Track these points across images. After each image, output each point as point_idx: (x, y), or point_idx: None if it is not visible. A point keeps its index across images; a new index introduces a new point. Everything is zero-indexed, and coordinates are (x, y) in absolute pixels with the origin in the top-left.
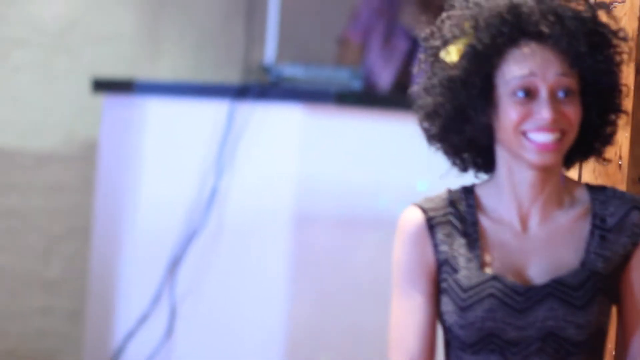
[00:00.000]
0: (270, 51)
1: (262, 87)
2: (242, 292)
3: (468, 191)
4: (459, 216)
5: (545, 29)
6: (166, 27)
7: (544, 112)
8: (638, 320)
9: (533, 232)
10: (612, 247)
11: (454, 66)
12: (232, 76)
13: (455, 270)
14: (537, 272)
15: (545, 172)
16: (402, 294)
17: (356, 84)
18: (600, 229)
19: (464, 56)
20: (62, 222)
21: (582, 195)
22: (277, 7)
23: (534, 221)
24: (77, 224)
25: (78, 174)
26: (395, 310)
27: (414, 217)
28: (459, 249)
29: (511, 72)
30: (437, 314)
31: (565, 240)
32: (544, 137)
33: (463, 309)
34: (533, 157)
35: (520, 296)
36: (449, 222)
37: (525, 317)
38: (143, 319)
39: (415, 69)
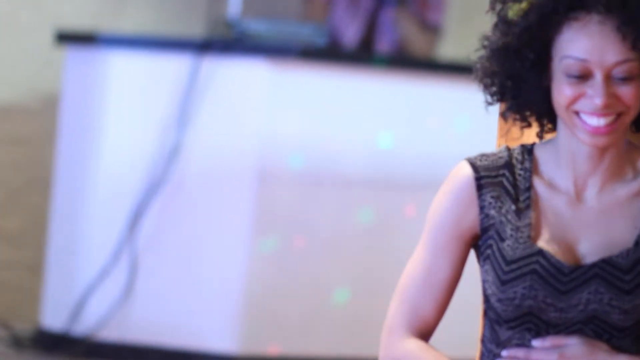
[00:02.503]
0: (234, 5)
1: (226, 41)
2: (203, 246)
3: (527, 152)
4: (513, 179)
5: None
6: None
7: (596, 99)
8: None
9: (589, 204)
10: None
11: (510, 30)
12: (196, 30)
13: (501, 239)
14: (588, 249)
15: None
16: (428, 249)
17: (321, 40)
18: None
19: (522, 19)
20: (22, 175)
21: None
22: None
23: (590, 192)
24: (38, 176)
25: (40, 127)
26: (415, 263)
27: (462, 173)
28: (507, 215)
29: (567, 49)
30: (458, 280)
31: (623, 216)
32: (597, 121)
33: (503, 282)
34: (585, 138)
35: (565, 276)
36: (501, 184)
37: (568, 298)
38: (104, 273)
39: (381, 26)
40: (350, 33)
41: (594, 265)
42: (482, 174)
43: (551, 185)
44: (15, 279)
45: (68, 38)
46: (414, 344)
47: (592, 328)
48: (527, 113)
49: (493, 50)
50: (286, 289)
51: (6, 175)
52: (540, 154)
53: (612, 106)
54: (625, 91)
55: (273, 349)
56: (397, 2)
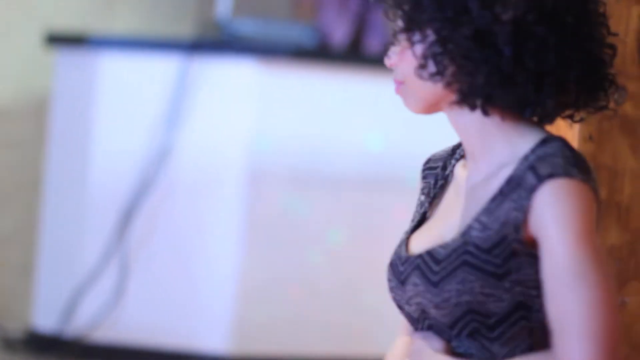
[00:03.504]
0: (223, 6)
1: (215, 41)
2: (194, 247)
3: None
4: (442, 169)
5: None
6: None
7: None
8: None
9: (465, 191)
10: (495, 213)
11: None
12: (186, 31)
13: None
14: (437, 237)
15: (450, 120)
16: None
17: (310, 40)
18: (502, 194)
19: None
20: (14, 177)
21: (523, 149)
22: None
23: (469, 178)
24: (29, 178)
25: (30, 129)
26: None
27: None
28: (417, 206)
29: None
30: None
31: (474, 201)
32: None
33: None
34: None
35: (402, 265)
36: (432, 176)
37: (404, 290)
38: (95, 274)
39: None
40: (339, 33)
41: (419, 255)
42: (428, 165)
43: (461, 173)
44: (7, 280)
45: (58, 40)
46: None
47: (429, 324)
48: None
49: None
50: (277, 289)
51: None
52: None
53: (394, 70)
54: (403, 60)
55: (264, 349)
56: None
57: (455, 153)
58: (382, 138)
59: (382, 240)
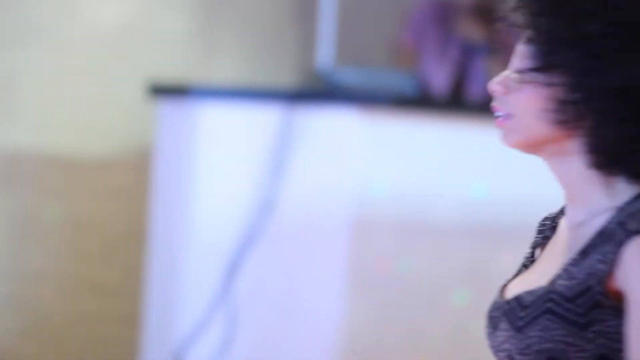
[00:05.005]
0: (325, 55)
1: (318, 91)
2: (300, 298)
3: None
4: (552, 225)
5: None
6: (221, 31)
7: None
8: None
9: (561, 239)
10: (582, 263)
11: None
12: (288, 80)
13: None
14: (527, 284)
15: (548, 163)
16: None
17: (411, 88)
18: (591, 246)
19: None
20: (119, 227)
21: (616, 202)
22: (333, 10)
23: (564, 226)
24: (133, 229)
25: (134, 179)
26: None
27: None
28: (524, 259)
29: None
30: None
31: (566, 247)
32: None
33: None
34: None
35: (495, 312)
36: (542, 232)
37: (496, 336)
38: (202, 326)
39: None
40: (440, 81)
41: (507, 301)
42: (542, 222)
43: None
44: (113, 331)
45: (160, 90)
46: None
47: None
48: None
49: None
50: (385, 342)
51: (103, 228)
52: None
53: (502, 99)
54: (517, 92)
55: None
56: (487, 52)
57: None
58: (486, 186)
59: (490, 287)
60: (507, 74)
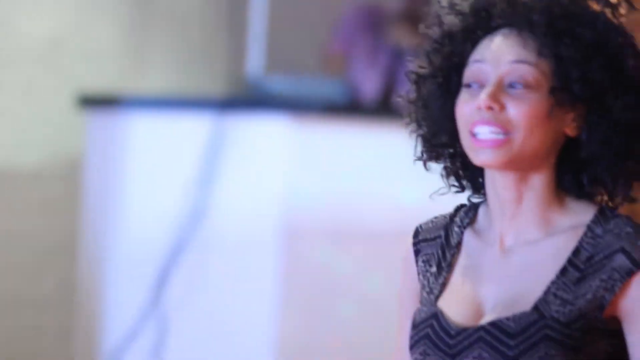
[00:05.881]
0: (255, 63)
1: (247, 99)
2: (231, 306)
3: (471, 208)
4: (447, 238)
5: (506, 14)
6: (151, 41)
7: (479, 97)
8: None
9: (508, 257)
10: (578, 290)
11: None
12: (218, 89)
13: (420, 302)
14: (490, 309)
15: (514, 180)
16: (399, 316)
17: (341, 95)
18: (573, 266)
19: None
20: (48, 240)
21: (582, 220)
22: (262, 18)
23: (510, 244)
24: (63, 241)
25: (64, 191)
26: (396, 332)
27: (407, 242)
28: (430, 277)
29: (470, 59)
30: None
31: (535, 273)
32: (482, 129)
33: (410, 348)
34: (474, 156)
35: (452, 339)
36: (434, 246)
37: None
38: (132, 336)
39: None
40: (370, 87)
41: (481, 327)
42: (421, 237)
43: (484, 241)
44: (45, 344)
45: (90, 101)
46: None
47: None
48: (450, 168)
49: (417, 83)
50: (317, 347)
51: (34, 241)
52: (482, 207)
53: (497, 117)
54: (516, 105)
55: None
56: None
57: (454, 221)
58: (416, 191)
59: None
60: (495, 89)
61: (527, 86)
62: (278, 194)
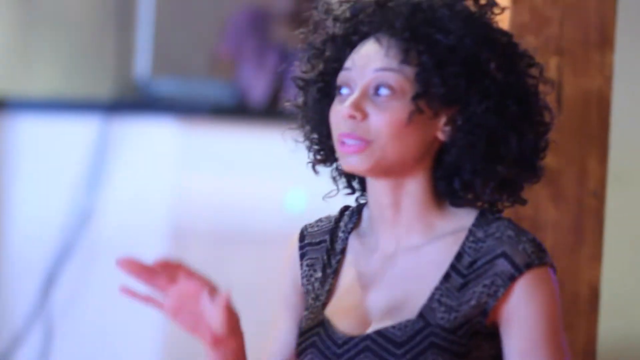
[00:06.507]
0: (143, 65)
1: (135, 101)
2: (119, 309)
3: (355, 211)
4: (332, 243)
5: (372, 21)
6: (37, 42)
7: (345, 105)
8: None
9: (392, 263)
10: (462, 296)
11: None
12: (106, 91)
13: (305, 309)
14: (376, 316)
15: (390, 186)
16: (277, 315)
17: (229, 98)
18: (456, 272)
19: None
20: None
21: (464, 223)
22: (149, 20)
23: (393, 250)
24: None
25: None
26: (271, 328)
27: (292, 241)
28: (314, 283)
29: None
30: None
31: (419, 279)
32: (346, 138)
33: (298, 355)
34: (342, 161)
35: (339, 348)
36: (319, 251)
37: None
38: (17, 341)
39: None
40: (258, 91)
41: (366, 337)
42: (306, 241)
43: (367, 247)
44: None
45: None
46: None
47: None
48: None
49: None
50: (203, 351)
51: None
52: (365, 210)
53: (358, 124)
54: (378, 113)
55: None
56: None
57: (339, 226)
58: (304, 194)
59: None
60: (359, 98)
61: (391, 93)
62: (165, 196)
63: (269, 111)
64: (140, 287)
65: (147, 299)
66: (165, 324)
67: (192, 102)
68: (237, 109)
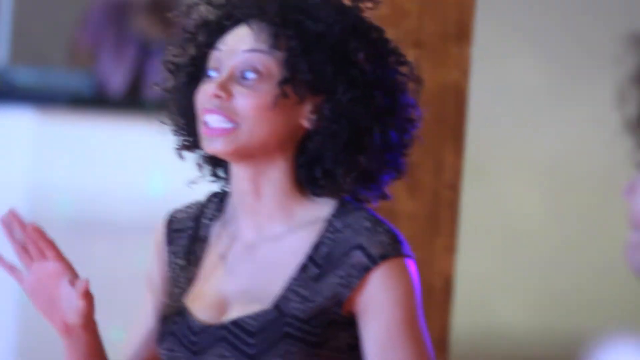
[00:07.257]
0: (1, 54)
1: None
2: None
3: (222, 198)
4: (196, 230)
5: (243, 5)
6: None
7: (207, 86)
8: None
9: (252, 252)
10: (317, 286)
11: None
12: None
13: (167, 296)
14: (233, 306)
15: (251, 172)
16: (143, 299)
17: (88, 88)
18: (313, 262)
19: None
20: None
21: (323, 213)
22: (7, 7)
23: (253, 238)
24: None
25: None
26: (139, 311)
27: (159, 226)
28: (177, 270)
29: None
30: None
31: (277, 269)
32: (211, 118)
33: (157, 342)
34: (205, 144)
35: (196, 336)
36: (184, 238)
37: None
38: None
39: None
40: (116, 81)
41: (223, 326)
42: (175, 226)
43: (229, 233)
44: None
45: None
46: None
47: None
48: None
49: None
50: (59, 348)
51: None
52: (231, 198)
53: (224, 103)
54: (244, 95)
55: None
56: (164, 48)
57: (204, 212)
58: (162, 182)
59: None
60: (226, 79)
61: (259, 76)
62: (23, 187)
63: (128, 101)
64: (8, 254)
65: (10, 268)
66: (20, 317)
67: (51, 92)
68: (96, 99)
